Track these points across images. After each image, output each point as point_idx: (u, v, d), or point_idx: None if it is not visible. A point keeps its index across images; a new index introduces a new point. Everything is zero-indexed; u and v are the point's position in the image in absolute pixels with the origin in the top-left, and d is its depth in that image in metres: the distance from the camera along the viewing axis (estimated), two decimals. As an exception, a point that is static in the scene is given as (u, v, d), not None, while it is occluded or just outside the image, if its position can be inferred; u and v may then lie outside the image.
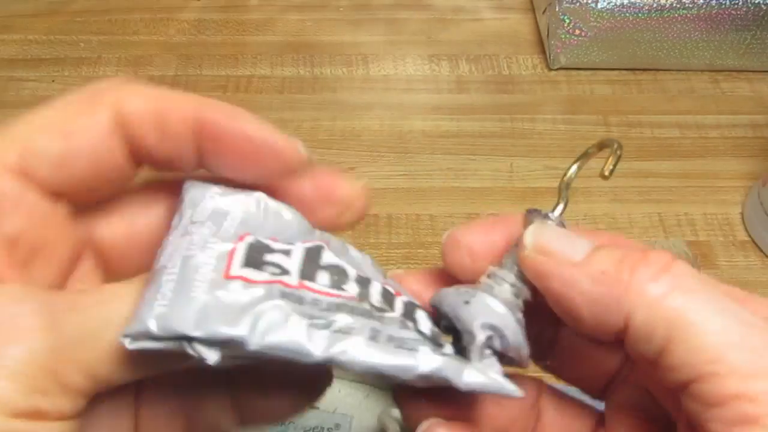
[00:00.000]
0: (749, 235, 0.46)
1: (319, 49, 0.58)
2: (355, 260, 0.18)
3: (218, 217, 0.16)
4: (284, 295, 0.15)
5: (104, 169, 0.16)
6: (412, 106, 0.54)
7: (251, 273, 0.15)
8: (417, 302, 0.18)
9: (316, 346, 0.14)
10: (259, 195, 0.17)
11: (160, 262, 0.15)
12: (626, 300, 0.15)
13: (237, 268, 0.15)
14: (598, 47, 0.54)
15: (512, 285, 0.17)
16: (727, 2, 0.52)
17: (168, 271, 0.14)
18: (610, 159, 0.18)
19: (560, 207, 0.18)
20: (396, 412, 0.33)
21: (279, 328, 0.14)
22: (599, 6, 0.52)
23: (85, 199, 0.17)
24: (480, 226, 0.18)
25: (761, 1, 0.51)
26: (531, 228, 0.17)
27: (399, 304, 0.17)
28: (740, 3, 0.52)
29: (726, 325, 0.14)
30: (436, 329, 0.17)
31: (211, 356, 0.14)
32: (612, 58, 0.55)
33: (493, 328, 0.16)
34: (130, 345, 0.14)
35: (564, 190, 0.18)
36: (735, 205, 0.48)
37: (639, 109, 0.54)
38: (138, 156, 0.17)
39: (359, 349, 0.14)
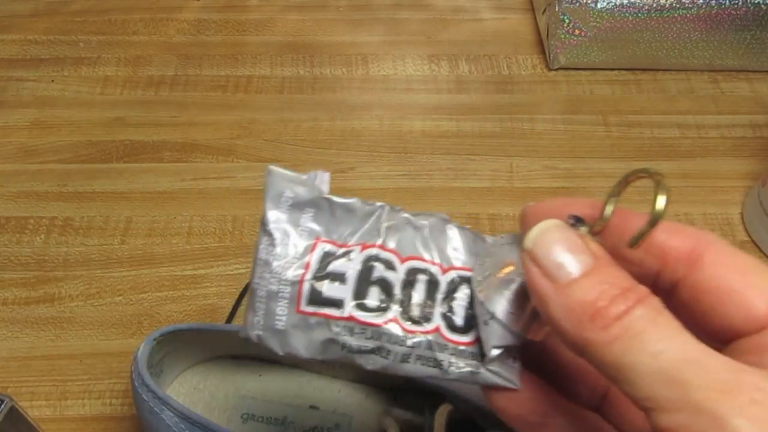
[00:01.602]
0: (749, 236, 0.46)
1: (318, 49, 0.58)
2: (407, 238, 0.21)
3: (295, 215, 0.20)
4: (336, 325, 0.20)
5: None
6: (411, 106, 0.54)
7: (312, 309, 0.20)
8: (465, 275, 0.21)
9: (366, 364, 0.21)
10: (328, 195, 0.21)
11: (254, 280, 0.20)
12: (578, 343, 0.17)
13: (303, 306, 0.20)
14: (597, 47, 0.54)
15: None
16: (727, 2, 0.52)
17: (258, 295, 0.20)
18: (645, 225, 0.18)
19: (600, 223, 0.19)
20: (396, 412, 0.33)
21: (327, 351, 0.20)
22: (599, 6, 0.52)
23: None
24: (552, 204, 0.20)
25: (761, 1, 0.51)
26: (539, 227, 0.18)
27: (443, 286, 0.21)
28: (740, 3, 0.52)
29: (658, 366, 0.15)
30: (470, 310, 0.20)
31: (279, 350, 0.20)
32: (612, 58, 0.55)
33: (504, 347, 0.20)
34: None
35: (607, 204, 0.19)
36: (735, 206, 0.48)
37: (639, 109, 0.54)
38: None
39: (395, 368, 0.20)
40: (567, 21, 0.53)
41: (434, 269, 0.21)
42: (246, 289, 0.43)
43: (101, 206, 0.47)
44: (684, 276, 0.18)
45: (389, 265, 0.20)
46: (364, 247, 0.20)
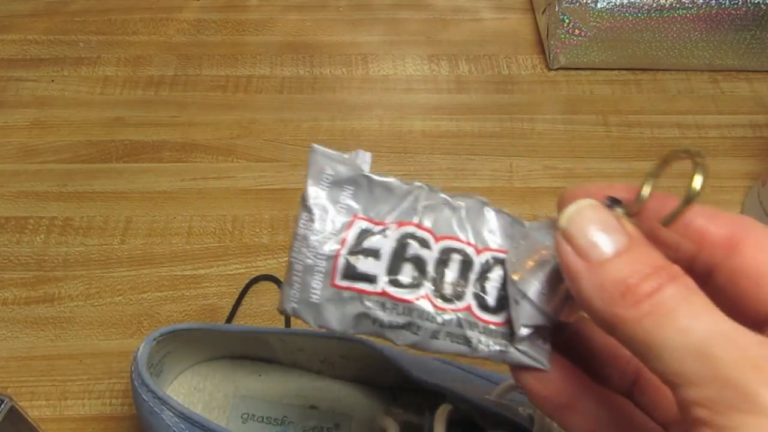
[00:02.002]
0: (749, 235, 0.46)
1: (318, 49, 0.58)
2: (443, 218, 0.21)
3: (334, 192, 0.21)
4: (369, 300, 0.20)
5: None
6: (411, 106, 0.54)
7: (346, 283, 0.20)
8: (500, 256, 0.21)
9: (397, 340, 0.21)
10: (368, 173, 0.21)
11: (291, 255, 0.20)
12: (609, 321, 0.17)
13: (338, 280, 0.20)
14: (597, 47, 0.54)
15: None
16: (727, 2, 0.52)
17: (295, 269, 0.20)
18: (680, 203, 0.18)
19: (636, 204, 0.19)
20: (396, 412, 0.33)
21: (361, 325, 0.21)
22: (599, 6, 0.52)
23: None
24: (591, 188, 0.20)
25: (761, 1, 0.51)
26: (574, 206, 0.18)
27: (477, 266, 0.21)
28: (740, 3, 0.52)
29: (689, 341, 0.15)
30: (503, 291, 0.21)
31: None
32: (612, 58, 0.55)
33: (534, 326, 0.20)
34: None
35: (645, 185, 0.19)
36: (735, 205, 0.48)
37: (638, 109, 0.54)
38: None
39: (425, 344, 0.21)
40: (567, 21, 0.53)
41: (469, 250, 0.21)
42: (246, 289, 0.43)
43: (101, 206, 0.47)
44: (721, 261, 0.18)
45: (424, 244, 0.21)
46: (400, 225, 0.21)
